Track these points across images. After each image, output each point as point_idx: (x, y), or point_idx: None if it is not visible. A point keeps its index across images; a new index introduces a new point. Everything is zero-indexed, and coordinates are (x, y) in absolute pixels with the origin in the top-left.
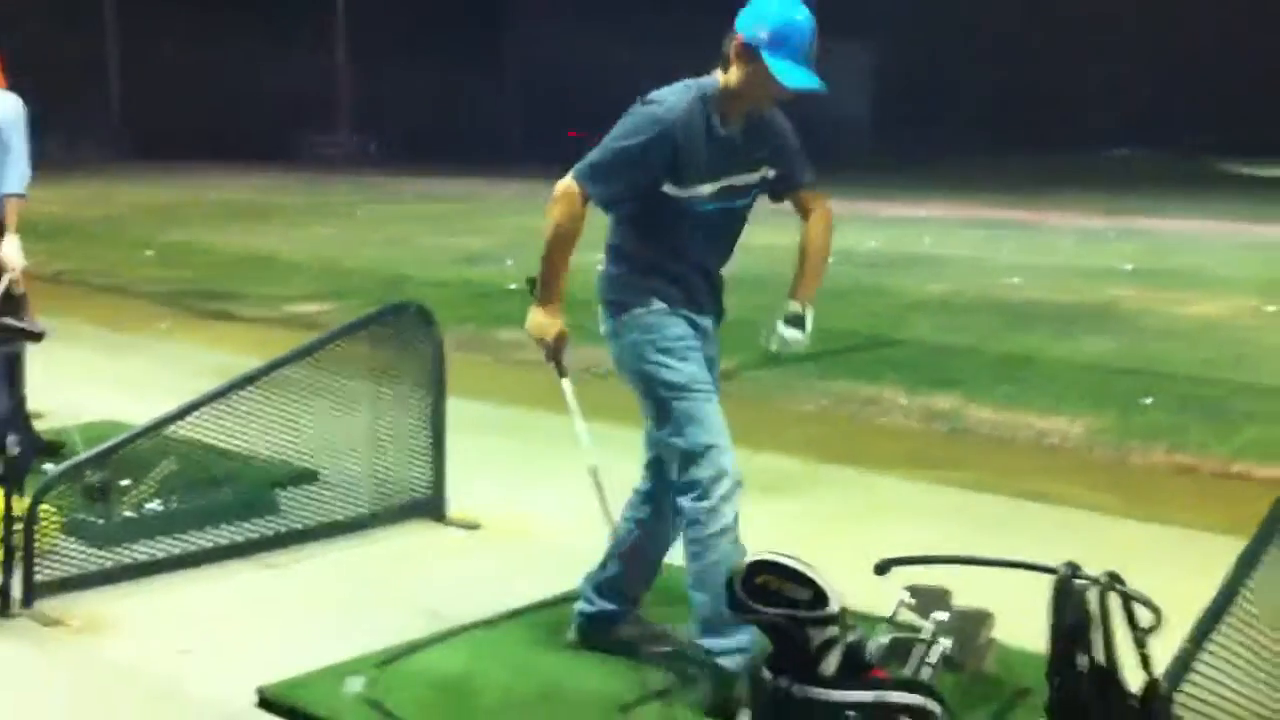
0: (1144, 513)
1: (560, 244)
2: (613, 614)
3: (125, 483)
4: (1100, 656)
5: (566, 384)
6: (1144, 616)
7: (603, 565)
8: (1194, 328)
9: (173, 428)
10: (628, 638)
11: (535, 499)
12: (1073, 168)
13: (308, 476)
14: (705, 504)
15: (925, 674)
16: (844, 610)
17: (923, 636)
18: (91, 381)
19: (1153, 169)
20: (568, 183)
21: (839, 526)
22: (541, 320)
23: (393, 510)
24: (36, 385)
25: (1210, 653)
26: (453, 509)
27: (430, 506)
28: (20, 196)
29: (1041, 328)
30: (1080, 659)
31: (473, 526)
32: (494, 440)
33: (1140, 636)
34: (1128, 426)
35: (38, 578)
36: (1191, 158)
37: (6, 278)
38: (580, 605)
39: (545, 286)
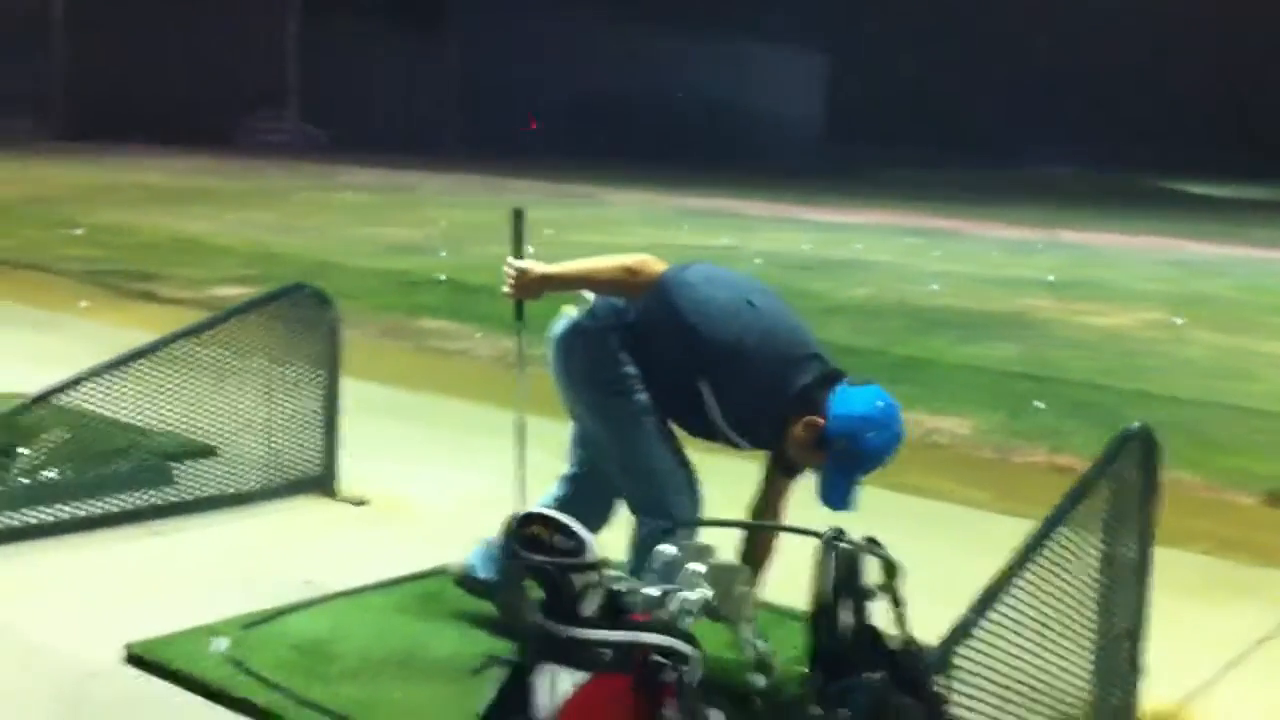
0: (1015, 508)
1: (604, 285)
2: (493, 585)
3: (24, 451)
4: (859, 612)
5: (520, 326)
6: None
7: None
8: (1099, 337)
9: (73, 400)
10: (502, 603)
11: (429, 480)
12: (1013, 181)
13: (204, 451)
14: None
15: (685, 620)
16: (604, 559)
17: (681, 587)
18: (3, 356)
19: (1091, 184)
20: (658, 266)
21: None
22: (536, 264)
23: (284, 485)
24: None
25: (991, 621)
26: (346, 487)
27: (321, 483)
28: None
29: (950, 332)
30: (842, 614)
31: (361, 503)
32: (401, 423)
33: (895, 595)
34: (1015, 427)
35: None
36: (1130, 173)
37: None
38: (473, 563)
39: (567, 278)
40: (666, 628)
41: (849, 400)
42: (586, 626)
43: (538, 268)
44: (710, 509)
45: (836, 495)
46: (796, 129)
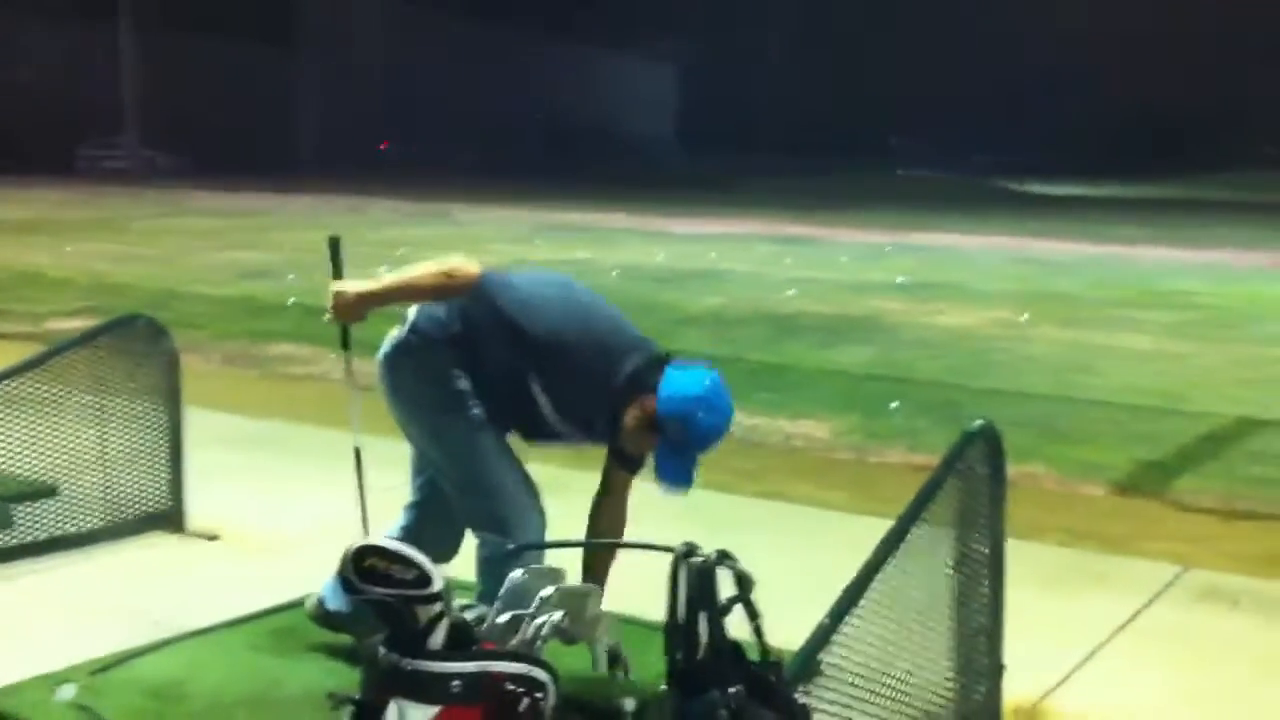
0: (873, 508)
1: (423, 293)
2: (347, 616)
3: None
4: (715, 626)
5: (348, 356)
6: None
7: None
8: (947, 337)
9: None
10: (360, 635)
11: (281, 511)
12: (868, 186)
13: (43, 491)
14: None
15: (538, 646)
16: (448, 588)
17: (532, 612)
18: None
19: (944, 187)
20: (474, 267)
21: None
22: (353, 284)
23: (130, 522)
24: None
25: (852, 625)
26: (196, 521)
27: (169, 518)
28: None
29: (806, 338)
30: (698, 629)
31: (211, 538)
32: (249, 453)
33: (751, 608)
34: (871, 429)
35: None
36: (982, 176)
37: None
38: (325, 595)
39: (384, 293)
40: (518, 655)
41: (679, 382)
42: (434, 658)
43: (354, 287)
44: (556, 521)
45: (675, 474)
46: (657, 140)
